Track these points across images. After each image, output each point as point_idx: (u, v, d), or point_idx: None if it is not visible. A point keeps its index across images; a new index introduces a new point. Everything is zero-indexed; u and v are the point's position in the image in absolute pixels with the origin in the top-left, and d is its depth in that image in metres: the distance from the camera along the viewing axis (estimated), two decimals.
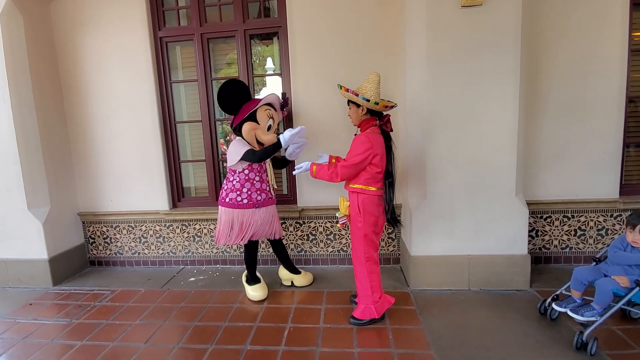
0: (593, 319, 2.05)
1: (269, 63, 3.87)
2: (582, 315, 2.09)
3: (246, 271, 2.97)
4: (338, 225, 2.43)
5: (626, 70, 2.89)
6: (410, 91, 2.79)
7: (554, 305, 2.30)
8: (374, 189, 2.27)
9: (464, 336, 2.25)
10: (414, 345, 2.18)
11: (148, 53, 3.33)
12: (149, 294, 3.05)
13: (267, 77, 3.65)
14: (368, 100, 2.20)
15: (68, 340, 2.44)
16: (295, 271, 3.05)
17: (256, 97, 2.81)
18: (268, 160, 2.78)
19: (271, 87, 3.61)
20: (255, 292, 2.82)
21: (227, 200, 2.72)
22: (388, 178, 2.30)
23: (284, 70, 3.31)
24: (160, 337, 2.41)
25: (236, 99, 2.70)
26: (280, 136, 2.55)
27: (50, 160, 3.34)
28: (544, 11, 2.87)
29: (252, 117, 2.66)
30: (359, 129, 2.37)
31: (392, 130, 2.33)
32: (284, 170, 3.45)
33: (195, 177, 3.78)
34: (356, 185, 2.29)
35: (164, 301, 2.90)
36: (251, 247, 2.86)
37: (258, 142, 2.71)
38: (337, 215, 2.47)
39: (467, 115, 2.65)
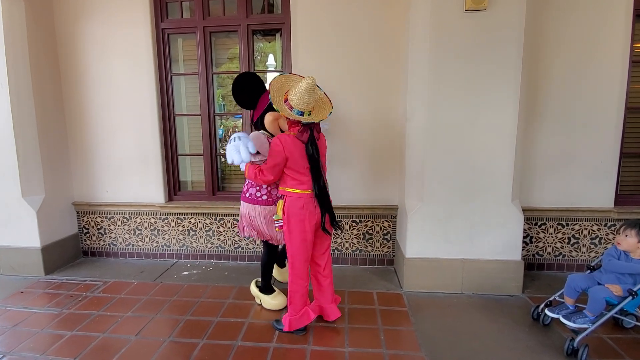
0: (585, 326, 2.07)
1: (271, 60, 3.86)
2: (574, 322, 2.10)
3: (256, 280, 2.80)
4: (277, 229, 2.37)
5: (626, 81, 2.91)
6: (412, 92, 2.79)
7: (546, 311, 2.31)
8: (298, 191, 2.19)
9: (455, 339, 2.26)
10: (405, 347, 2.18)
11: (149, 44, 3.31)
12: (141, 286, 3.04)
13: (268, 74, 3.64)
14: (270, 105, 2.14)
15: (58, 330, 2.42)
16: (281, 265, 3.02)
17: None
18: None
19: None
20: (276, 300, 2.65)
21: (247, 195, 2.60)
22: (314, 184, 2.18)
23: (285, 67, 3.30)
24: (152, 330, 2.40)
25: (253, 92, 2.59)
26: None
27: (46, 148, 3.31)
28: (546, 19, 2.88)
29: (272, 107, 2.50)
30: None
31: (316, 139, 2.20)
32: None
33: (192, 171, 3.76)
34: (282, 188, 2.25)
35: (156, 294, 2.89)
36: (273, 250, 2.69)
37: (282, 130, 2.58)
38: (274, 217, 2.36)
39: (466, 120, 2.65)
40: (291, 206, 2.20)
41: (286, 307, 2.49)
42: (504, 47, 2.56)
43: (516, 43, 2.55)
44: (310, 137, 2.16)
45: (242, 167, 2.36)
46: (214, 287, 3.00)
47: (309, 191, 2.21)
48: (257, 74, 2.67)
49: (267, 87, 2.59)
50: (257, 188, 2.57)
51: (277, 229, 2.32)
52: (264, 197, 2.55)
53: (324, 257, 2.38)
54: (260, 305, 2.69)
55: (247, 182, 2.66)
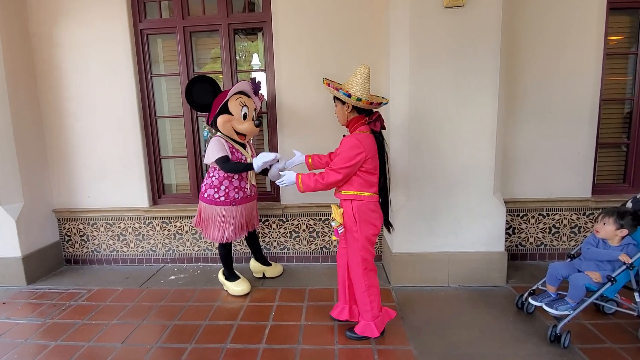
0: (566, 312, 2.12)
1: (255, 59, 3.82)
2: (556, 309, 2.15)
3: (222, 269, 2.97)
4: (333, 237, 2.21)
5: (601, 74, 2.99)
6: (394, 89, 2.81)
7: (530, 300, 2.36)
8: (368, 194, 2.08)
9: (443, 331, 2.30)
10: (394, 341, 2.20)
11: (128, 45, 3.24)
12: (127, 292, 2.99)
13: (251, 73, 3.61)
14: (349, 96, 1.98)
15: (42, 340, 2.37)
16: (266, 263, 3.15)
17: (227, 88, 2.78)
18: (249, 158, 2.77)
19: None
20: (238, 287, 2.83)
21: (206, 196, 2.72)
22: (381, 180, 2.12)
23: (268, 66, 3.29)
24: (138, 337, 2.36)
25: (205, 95, 2.66)
26: (254, 160, 2.52)
27: (23, 155, 3.21)
28: (522, 14, 2.93)
29: (225, 109, 2.62)
30: (348, 129, 2.18)
31: (384, 129, 2.15)
32: None
33: (176, 174, 3.71)
34: (349, 192, 2.09)
35: (142, 300, 2.85)
36: (226, 244, 2.83)
37: (238, 133, 2.67)
38: (332, 224, 2.14)
39: (448, 115, 2.69)
40: (361, 210, 2.08)
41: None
42: (482, 42, 2.60)
43: (494, 38, 2.60)
44: (381, 127, 2.12)
45: (283, 184, 2.24)
46: (202, 290, 2.97)
47: (377, 193, 2.13)
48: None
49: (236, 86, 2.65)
50: (215, 190, 2.69)
51: (334, 237, 2.19)
52: (222, 199, 2.69)
53: None
54: (227, 292, 2.88)
55: (205, 183, 2.75)
